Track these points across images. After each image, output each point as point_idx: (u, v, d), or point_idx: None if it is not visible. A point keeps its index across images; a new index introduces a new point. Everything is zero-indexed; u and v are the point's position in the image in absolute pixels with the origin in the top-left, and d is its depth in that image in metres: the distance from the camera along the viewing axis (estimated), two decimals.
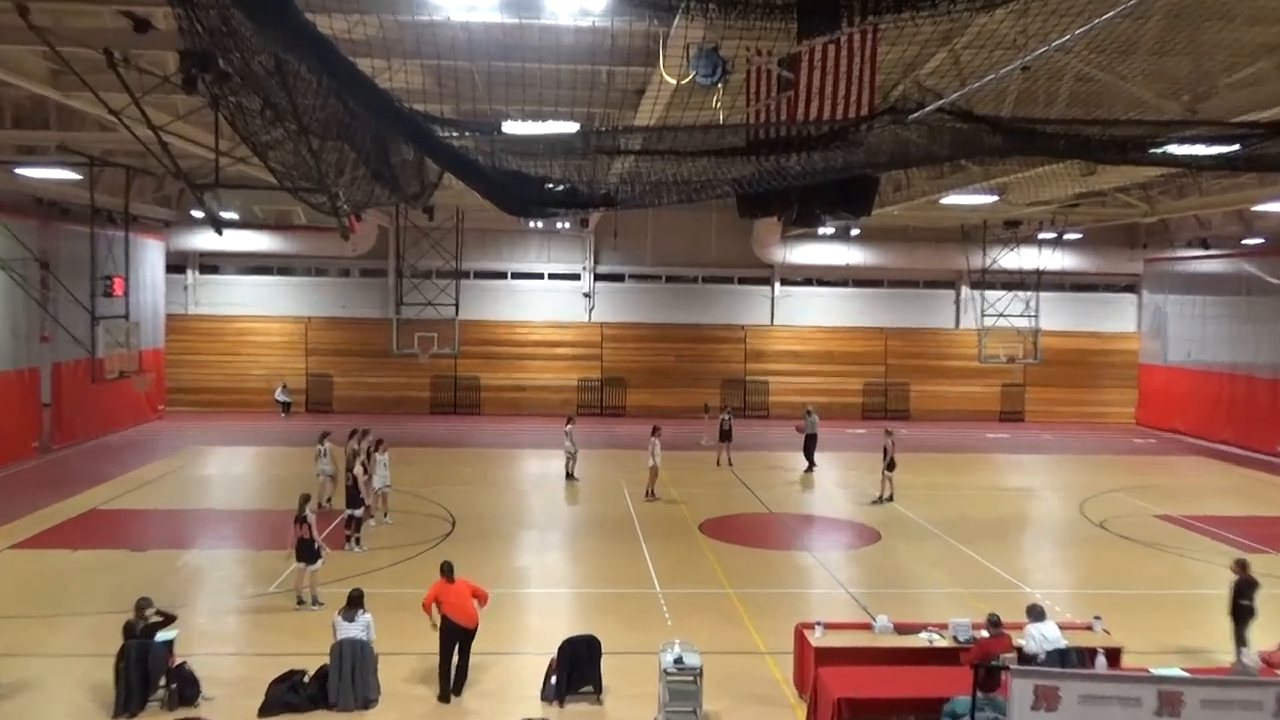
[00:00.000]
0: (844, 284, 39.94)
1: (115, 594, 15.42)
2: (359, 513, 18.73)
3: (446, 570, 12.33)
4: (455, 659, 12.15)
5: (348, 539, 18.60)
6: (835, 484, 26.50)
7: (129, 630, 11.80)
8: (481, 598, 12.28)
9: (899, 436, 24.97)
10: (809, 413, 28.34)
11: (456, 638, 12.08)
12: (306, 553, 15.24)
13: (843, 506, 23.55)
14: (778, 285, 39.52)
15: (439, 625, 12.11)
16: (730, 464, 27.79)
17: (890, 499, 23.46)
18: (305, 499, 15.58)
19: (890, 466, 23.56)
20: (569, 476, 25.64)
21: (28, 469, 26.45)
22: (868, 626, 12.41)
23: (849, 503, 23.94)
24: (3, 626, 14.24)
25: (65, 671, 12.69)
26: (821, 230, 35.87)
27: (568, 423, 26.17)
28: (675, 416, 37.37)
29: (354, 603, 12.16)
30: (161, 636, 11.97)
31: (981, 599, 16.14)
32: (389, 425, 31.98)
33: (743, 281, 39.55)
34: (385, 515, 20.60)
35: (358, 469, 18.76)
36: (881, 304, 39.87)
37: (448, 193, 23.56)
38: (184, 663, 12.04)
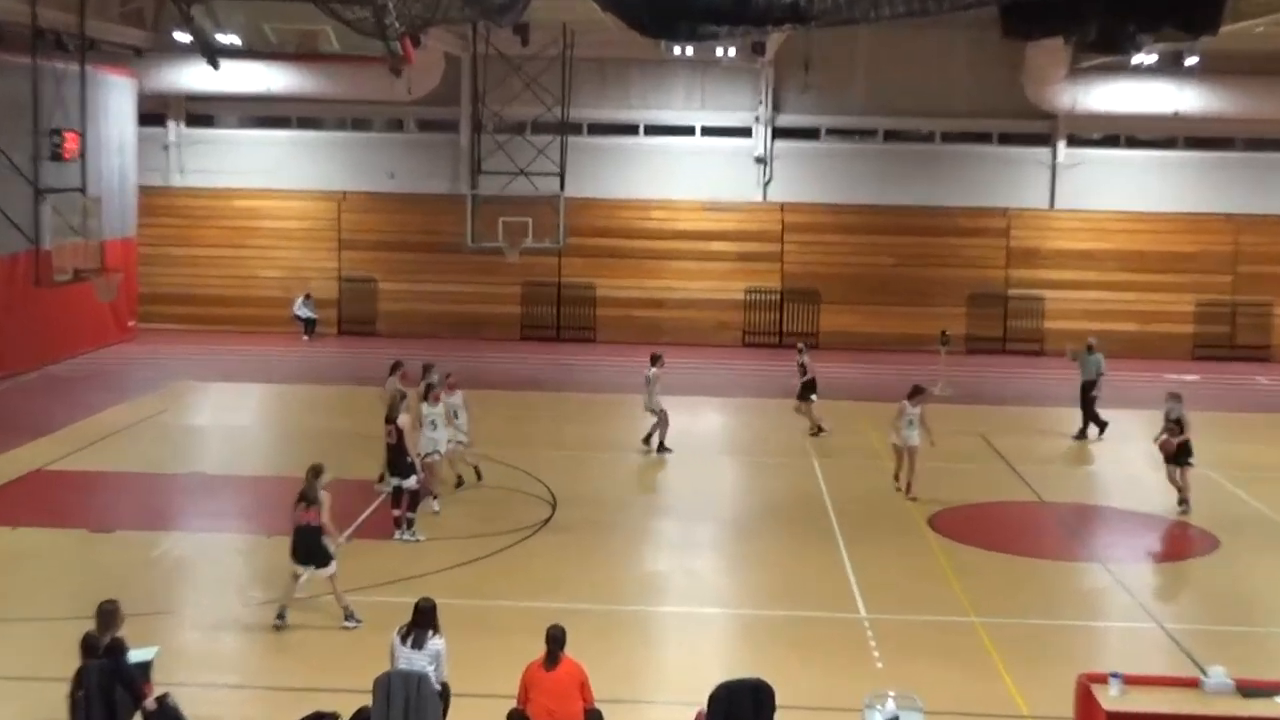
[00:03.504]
0: (1169, 145, 38.98)
1: (70, 592, 16.10)
2: (412, 484, 19.12)
3: (553, 643, 12.13)
4: None
5: (397, 523, 19.09)
6: (1147, 461, 25.75)
7: (89, 646, 12.30)
8: (588, 699, 12.10)
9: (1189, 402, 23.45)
10: (1090, 349, 27.90)
11: None
12: (310, 548, 15.57)
13: (1158, 496, 22.98)
14: (1062, 147, 38.67)
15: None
16: (820, 430, 27.13)
17: (1183, 502, 22.35)
18: (317, 471, 15.87)
19: (1178, 459, 22.14)
20: (660, 448, 25.32)
21: None
22: (1194, 683, 12.24)
23: (1169, 491, 23.26)
24: None
25: (1, 699, 13.41)
26: (1136, 59, 34.50)
27: (654, 363, 25.51)
28: (894, 350, 36.84)
29: (424, 620, 12.41)
30: (135, 657, 12.48)
31: None
32: (459, 357, 32.53)
33: (1006, 141, 38.85)
34: (434, 497, 20.77)
35: (403, 419, 19.12)
36: (1231, 176, 38.67)
37: (550, 3, 23.65)
38: (166, 695, 12.44)
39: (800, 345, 29.27)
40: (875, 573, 18.41)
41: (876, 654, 15.39)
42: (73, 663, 12.18)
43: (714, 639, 16.00)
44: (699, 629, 16.33)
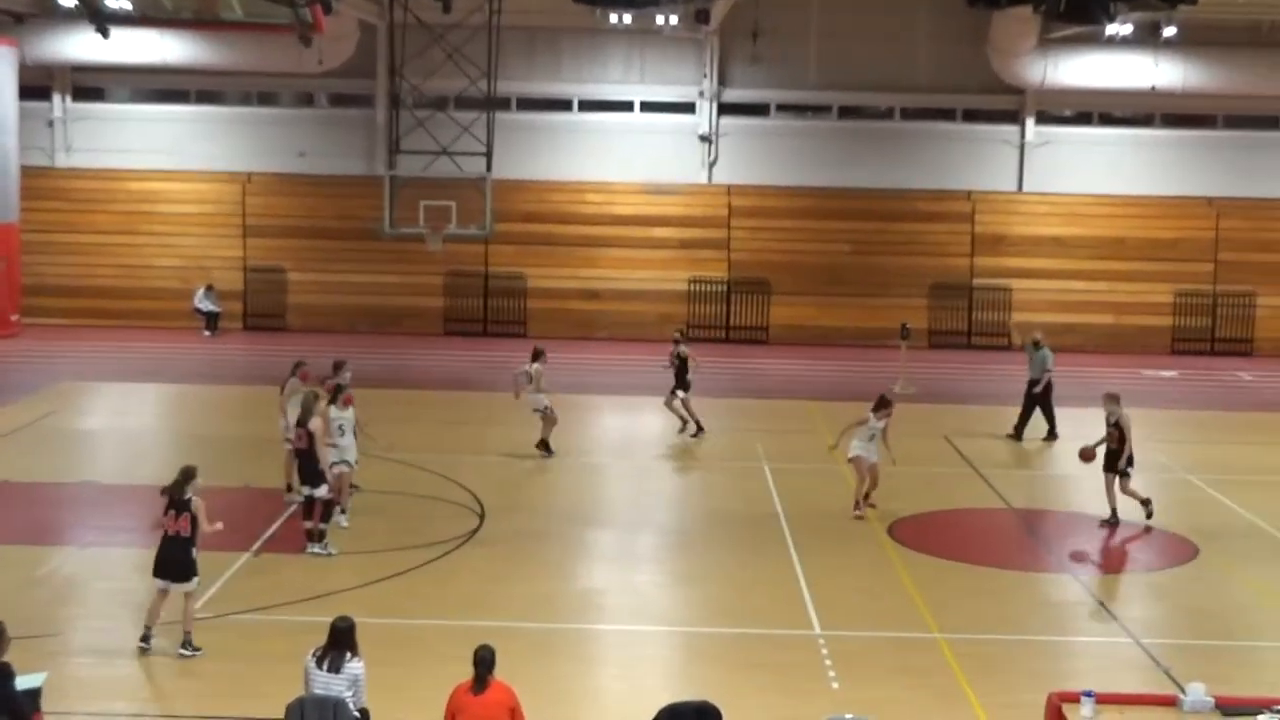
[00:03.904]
0: (1146, 122, 39.28)
1: None
2: (324, 493, 19.05)
3: (481, 665, 12.10)
4: None
5: (309, 536, 19.00)
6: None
7: None
8: None
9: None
10: (1036, 344, 28.16)
11: None
12: (177, 562, 15.36)
13: (1130, 502, 22.80)
14: (1031, 124, 38.94)
15: None
16: (697, 430, 27.10)
17: (1149, 515, 22.10)
18: (188, 475, 15.72)
19: (1116, 469, 21.93)
20: (541, 444, 25.31)
21: None
22: (1171, 701, 12.25)
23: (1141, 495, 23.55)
24: None
25: None
26: (1110, 29, 34.75)
27: (535, 358, 25.54)
28: (850, 344, 37.00)
29: (341, 641, 12.27)
30: (23, 683, 12.37)
31: None
32: (377, 353, 32.38)
33: (971, 118, 39.10)
34: (342, 510, 20.60)
35: (315, 423, 19.01)
36: (1212, 157, 39.02)
37: None
38: None
39: (677, 335, 28.81)
40: (830, 586, 18.39)
41: (832, 674, 15.31)
42: None
43: (657, 659, 15.93)
44: (640, 648, 16.27)
